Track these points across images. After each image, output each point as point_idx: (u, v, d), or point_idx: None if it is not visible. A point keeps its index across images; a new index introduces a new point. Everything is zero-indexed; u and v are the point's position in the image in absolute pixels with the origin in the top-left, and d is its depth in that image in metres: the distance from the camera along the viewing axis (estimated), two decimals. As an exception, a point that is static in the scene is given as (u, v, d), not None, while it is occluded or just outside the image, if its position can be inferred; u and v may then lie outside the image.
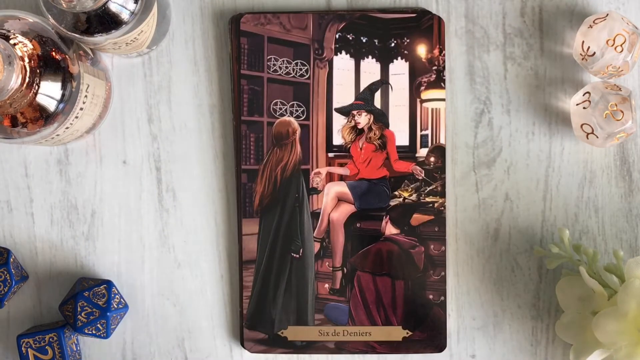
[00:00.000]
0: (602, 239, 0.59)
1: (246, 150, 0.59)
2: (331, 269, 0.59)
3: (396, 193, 0.59)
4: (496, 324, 0.60)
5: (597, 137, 0.56)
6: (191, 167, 0.60)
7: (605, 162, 0.59)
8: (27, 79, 0.50)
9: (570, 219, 0.59)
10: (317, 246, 0.59)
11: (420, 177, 0.59)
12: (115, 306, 0.57)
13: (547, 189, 0.59)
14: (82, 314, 0.57)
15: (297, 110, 0.59)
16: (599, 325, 0.52)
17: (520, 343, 0.60)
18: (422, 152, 0.59)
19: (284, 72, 0.59)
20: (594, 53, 0.56)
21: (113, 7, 0.50)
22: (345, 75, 0.59)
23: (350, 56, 0.59)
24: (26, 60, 0.50)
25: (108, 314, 0.57)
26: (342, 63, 0.59)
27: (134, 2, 0.51)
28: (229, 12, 0.59)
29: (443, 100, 0.59)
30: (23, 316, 0.60)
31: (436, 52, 0.58)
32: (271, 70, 0.59)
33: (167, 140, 0.60)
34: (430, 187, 0.59)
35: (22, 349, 0.57)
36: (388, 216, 0.59)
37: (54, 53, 0.51)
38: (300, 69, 0.59)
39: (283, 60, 0.59)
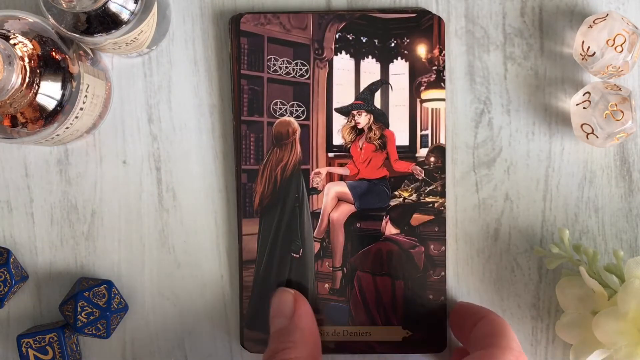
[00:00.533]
0: (602, 239, 0.59)
1: (246, 150, 0.59)
2: (331, 269, 0.59)
3: (396, 193, 0.59)
4: (496, 324, 0.59)
5: (597, 137, 0.56)
6: (191, 167, 0.60)
7: (605, 162, 0.59)
8: (27, 79, 0.50)
9: (570, 219, 0.59)
10: (317, 246, 0.59)
11: (420, 177, 0.59)
12: (115, 306, 0.57)
13: (547, 189, 0.59)
14: (82, 314, 0.57)
15: (297, 110, 0.59)
16: (599, 325, 0.52)
17: (520, 343, 0.59)
18: (422, 152, 0.59)
19: (284, 72, 0.59)
20: (594, 53, 0.56)
21: (113, 7, 0.50)
22: (345, 75, 0.59)
23: (350, 56, 0.59)
24: (26, 60, 0.50)
25: (108, 314, 0.57)
26: (342, 63, 0.59)
27: (134, 2, 0.51)
28: (229, 12, 0.59)
29: (443, 100, 0.59)
30: (23, 316, 0.60)
31: (436, 52, 0.58)
32: (271, 70, 0.59)
33: (167, 140, 0.60)
34: (430, 187, 0.59)
35: (22, 349, 0.57)
36: (388, 216, 0.59)
37: (54, 53, 0.51)
38: (300, 69, 0.59)
39: (283, 60, 0.59)
